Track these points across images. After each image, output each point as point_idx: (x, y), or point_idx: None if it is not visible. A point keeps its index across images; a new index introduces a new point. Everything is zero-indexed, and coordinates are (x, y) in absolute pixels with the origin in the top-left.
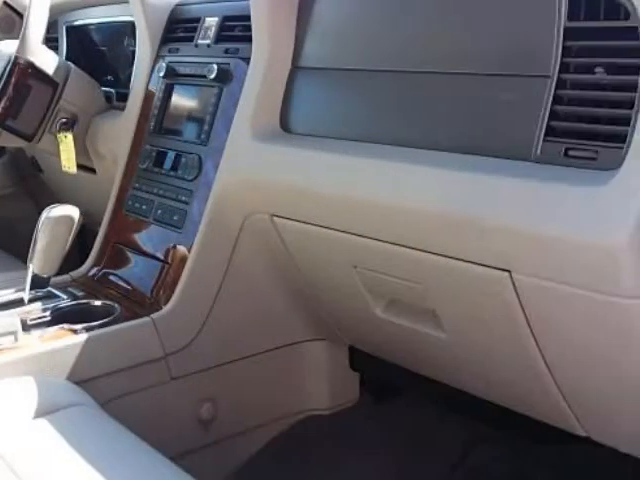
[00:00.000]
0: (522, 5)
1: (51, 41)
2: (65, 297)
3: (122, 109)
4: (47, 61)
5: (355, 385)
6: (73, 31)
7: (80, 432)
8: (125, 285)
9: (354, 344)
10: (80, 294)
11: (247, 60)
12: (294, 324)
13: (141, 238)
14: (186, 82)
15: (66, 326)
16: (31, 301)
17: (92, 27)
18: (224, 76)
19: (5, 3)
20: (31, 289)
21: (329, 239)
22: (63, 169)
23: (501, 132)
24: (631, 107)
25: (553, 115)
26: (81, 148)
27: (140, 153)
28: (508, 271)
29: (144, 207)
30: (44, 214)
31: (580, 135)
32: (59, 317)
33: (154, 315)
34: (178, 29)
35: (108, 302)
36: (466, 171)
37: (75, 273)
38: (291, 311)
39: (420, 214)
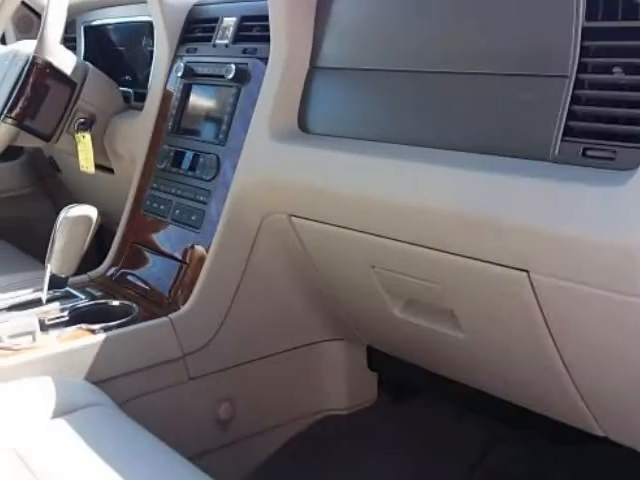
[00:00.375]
0: (540, 5)
1: (69, 41)
2: (83, 297)
3: (140, 109)
4: (65, 61)
5: (373, 385)
6: (91, 31)
7: (98, 432)
8: (143, 285)
9: (372, 344)
10: (98, 294)
11: (265, 60)
12: (312, 324)
13: (159, 238)
14: (204, 82)
15: (84, 326)
16: (49, 301)
17: (110, 27)
18: (242, 76)
19: (23, 3)
20: (49, 289)
21: (347, 239)
22: (81, 169)
23: (519, 132)
24: None
25: (571, 115)
26: (99, 148)
27: (158, 153)
28: (526, 271)
29: (162, 207)
30: (62, 214)
31: (598, 135)
32: (77, 317)
33: (172, 315)
34: (196, 29)
35: (126, 302)
36: (484, 171)
37: (93, 273)
38: (309, 311)
39: (438, 214)
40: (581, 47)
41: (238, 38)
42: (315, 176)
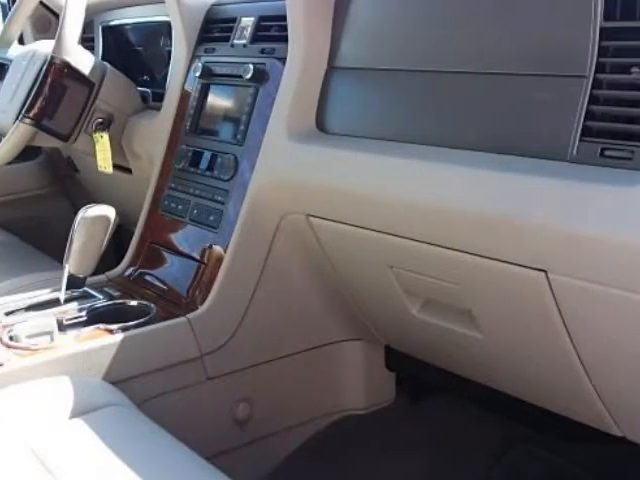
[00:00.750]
0: (558, 5)
1: (87, 41)
2: (101, 297)
3: (158, 109)
4: (83, 61)
5: (391, 385)
6: (109, 31)
7: (116, 432)
8: (161, 285)
9: (390, 344)
10: (116, 294)
11: (283, 60)
12: (330, 324)
13: (177, 238)
14: (222, 82)
15: (102, 326)
16: (67, 301)
17: (128, 27)
18: (260, 76)
19: (41, 3)
20: (67, 289)
21: (365, 239)
22: (99, 169)
23: (536, 132)
24: None
25: (589, 115)
26: (117, 148)
27: (176, 153)
28: (544, 271)
29: (180, 207)
30: (80, 214)
31: (616, 135)
32: (95, 317)
33: (190, 315)
34: (214, 29)
35: (144, 302)
36: (501, 171)
37: (111, 273)
38: (327, 311)
39: (456, 214)
40: (599, 47)
41: (256, 38)
42: (333, 176)
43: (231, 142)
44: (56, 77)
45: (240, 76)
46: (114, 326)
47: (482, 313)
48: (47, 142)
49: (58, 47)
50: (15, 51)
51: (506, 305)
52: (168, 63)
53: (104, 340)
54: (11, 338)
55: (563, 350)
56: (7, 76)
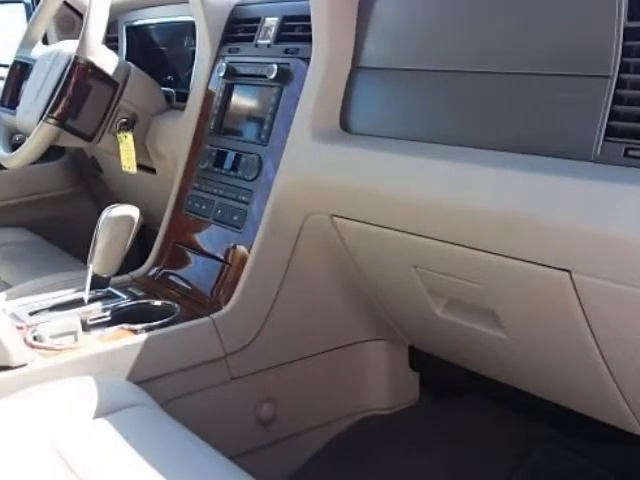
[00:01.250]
0: (582, 5)
1: (111, 41)
2: (125, 297)
3: (182, 109)
4: (107, 61)
5: (415, 385)
6: (133, 31)
7: (140, 432)
8: (185, 285)
9: (414, 344)
10: (140, 294)
11: (307, 60)
12: (354, 324)
13: (201, 238)
14: (246, 82)
15: (126, 326)
16: (91, 301)
17: (152, 27)
18: (284, 76)
19: (65, 3)
20: (91, 289)
21: (389, 239)
22: (123, 169)
23: (560, 132)
24: None
25: (613, 115)
26: (141, 148)
27: (200, 153)
28: (568, 271)
29: (204, 207)
30: (104, 214)
31: None
32: (119, 317)
33: (214, 315)
34: (238, 29)
35: (168, 302)
36: (525, 171)
37: (135, 273)
38: (351, 311)
39: (480, 214)
40: (623, 47)
41: (280, 38)
42: (357, 176)
43: (255, 142)
44: (80, 77)
45: (264, 76)
46: (138, 326)
47: (506, 313)
48: (71, 142)
49: (82, 47)
50: (39, 51)
51: (530, 305)
52: (192, 63)
53: (128, 340)
54: (35, 338)
55: (587, 350)
56: (31, 76)
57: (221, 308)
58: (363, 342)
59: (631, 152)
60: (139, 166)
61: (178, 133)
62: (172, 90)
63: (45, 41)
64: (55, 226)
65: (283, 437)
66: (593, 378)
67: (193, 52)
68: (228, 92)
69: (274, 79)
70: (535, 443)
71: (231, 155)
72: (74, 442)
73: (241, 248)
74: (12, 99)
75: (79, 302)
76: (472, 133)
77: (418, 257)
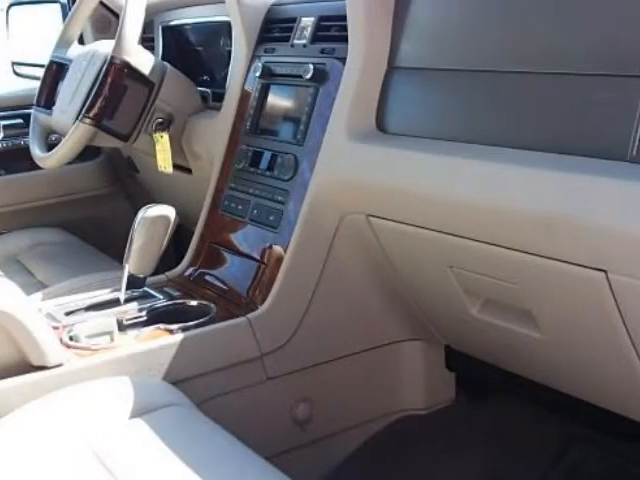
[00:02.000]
0: (618, 4)
1: (147, 41)
2: (161, 297)
3: (218, 109)
4: (143, 61)
5: (451, 385)
6: (169, 31)
7: (176, 432)
8: (221, 285)
9: (450, 344)
10: (176, 294)
11: (343, 60)
12: (390, 324)
13: (237, 238)
14: (282, 82)
15: (162, 326)
16: (127, 301)
17: (188, 27)
18: (320, 76)
19: (101, 3)
20: (127, 289)
21: (425, 239)
22: (159, 169)
23: (596, 132)
24: None
25: None
26: (177, 148)
27: (236, 153)
28: (604, 271)
29: (240, 207)
30: (140, 214)
31: None
32: (155, 317)
33: (250, 315)
34: (274, 29)
35: (204, 302)
36: (561, 171)
37: (171, 273)
38: (387, 311)
39: (516, 214)
40: None
41: (316, 38)
42: (393, 176)
43: (291, 142)
44: (116, 77)
45: (300, 76)
46: (174, 326)
47: (542, 313)
48: (107, 142)
49: (118, 47)
50: (75, 51)
51: (566, 305)
52: (228, 63)
53: (164, 340)
54: (71, 338)
55: (623, 349)
56: (67, 76)
57: (257, 308)
58: (399, 342)
59: None
60: (175, 166)
61: (214, 133)
62: (208, 90)
63: (81, 41)
64: (91, 226)
65: (319, 437)
66: (629, 378)
67: (229, 52)
68: (264, 92)
69: (310, 79)
70: (571, 443)
71: (267, 155)
72: (110, 442)
73: (277, 248)
74: (48, 99)
75: (115, 302)
76: (508, 133)
77: (454, 257)
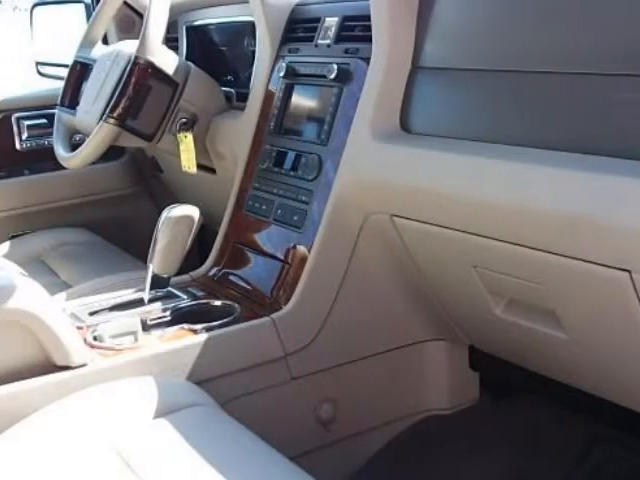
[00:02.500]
0: None
1: (171, 41)
2: (185, 297)
3: (242, 109)
4: (167, 61)
5: (475, 385)
6: (193, 31)
7: (200, 432)
8: (245, 285)
9: (474, 344)
10: (200, 294)
11: (367, 60)
12: (414, 324)
13: (261, 238)
14: (306, 82)
15: (186, 326)
16: (151, 301)
17: (212, 27)
18: (344, 76)
19: (125, 3)
20: (151, 289)
21: (449, 239)
22: (183, 169)
23: (620, 132)
24: None
25: None
26: (201, 148)
27: (260, 153)
28: (628, 271)
29: (264, 207)
30: (164, 214)
31: None
32: (179, 317)
33: (274, 315)
34: (298, 29)
35: (228, 302)
36: (586, 171)
37: (195, 273)
38: (411, 311)
39: (540, 214)
40: None
41: (340, 38)
42: (417, 176)
43: (315, 142)
44: (140, 77)
45: (324, 76)
46: (198, 326)
47: (566, 313)
48: (131, 142)
49: (142, 47)
50: (99, 51)
51: (590, 305)
52: (252, 63)
53: (188, 340)
54: (95, 338)
55: None
56: (91, 76)
57: (281, 308)
58: (423, 342)
59: None
60: (199, 166)
61: (238, 133)
62: (232, 90)
63: (105, 41)
64: (115, 226)
65: (343, 437)
66: None
67: (253, 52)
68: (288, 92)
69: (334, 79)
70: (595, 443)
71: (291, 155)
72: (134, 442)
73: (301, 248)
74: (72, 99)
75: (139, 302)
76: (532, 133)
77: (478, 257)
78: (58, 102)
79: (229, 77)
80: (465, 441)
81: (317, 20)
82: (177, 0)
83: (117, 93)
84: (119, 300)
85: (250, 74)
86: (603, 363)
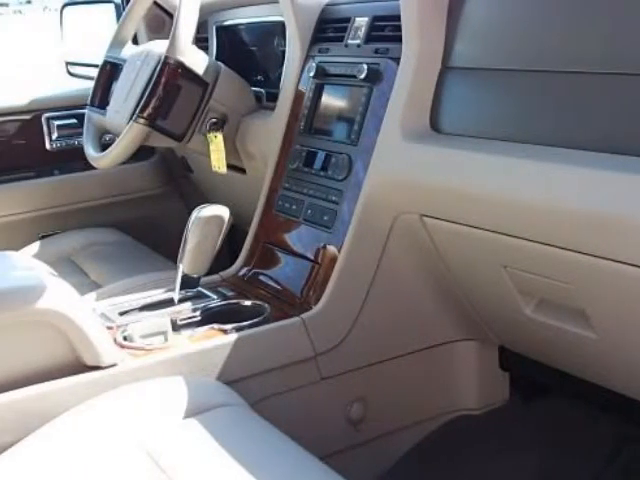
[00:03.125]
0: None
1: (201, 41)
2: (215, 297)
3: (272, 109)
4: (197, 61)
5: (505, 385)
6: (223, 31)
7: (230, 432)
8: (275, 285)
9: (504, 344)
10: (230, 294)
11: (397, 60)
12: (443, 324)
13: (291, 238)
14: (336, 82)
15: (216, 326)
16: (181, 301)
17: (242, 27)
18: (374, 76)
19: (155, 3)
20: (181, 289)
21: (479, 239)
22: (213, 169)
23: None
24: None
25: None
26: (231, 148)
27: (290, 153)
28: None
29: (294, 207)
30: (194, 214)
31: None
32: (209, 317)
33: (304, 315)
34: (328, 29)
35: (258, 302)
36: (615, 171)
37: (225, 273)
38: (440, 311)
39: (570, 214)
40: None
41: (370, 38)
42: (448, 176)
43: (345, 142)
44: (170, 77)
45: (354, 76)
46: (228, 326)
47: (596, 313)
48: (161, 142)
49: (172, 47)
50: (129, 51)
51: (620, 305)
52: (282, 63)
53: (218, 340)
54: (125, 338)
55: None
56: (121, 76)
57: (311, 308)
58: (453, 342)
59: None
60: (229, 166)
61: (268, 133)
62: (262, 90)
63: (135, 41)
64: (145, 226)
65: (373, 437)
66: None
67: (283, 52)
68: (318, 92)
69: (364, 79)
70: (625, 443)
71: (321, 155)
72: (164, 442)
73: (331, 248)
74: (102, 99)
75: (169, 302)
76: (563, 133)
77: (508, 257)
78: (88, 102)
79: (259, 77)
80: (495, 441)
81: (347, 20)
82: (207, 0)
83: (147, 93)
84: (149, 300)
85: (280, 74)
86: (633, 363)
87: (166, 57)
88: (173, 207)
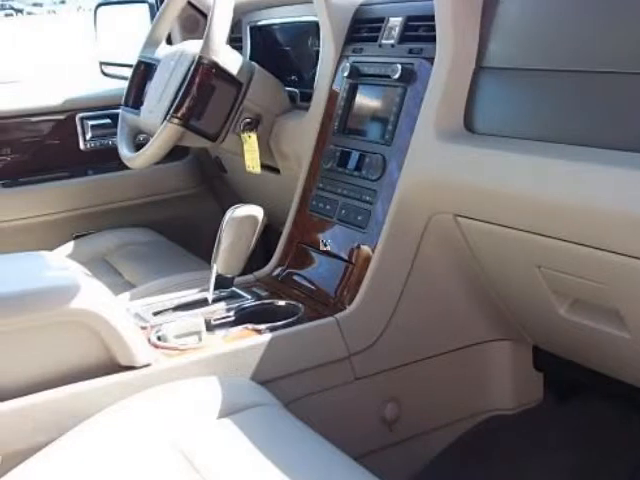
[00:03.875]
0: None
1: (235, 41)
2: (249, 297)
3: (306, 109)
4: (231, 61)
5: (539, 385)
6: (257, 31)
7: (264, 432)
8: (309, 285)
9: (538, 344)
10: (264, 294)
11: (431, 60)
12: (477, 324)
13: (325, 238)
14: (370, 82)
15: (250, 326)
16: (215, 301)
17: (276, 27)
18: (408, 76)
19: (189, 3)
20: (215, 289)
21: (513, 239)
22: (247, 169)
23: None
24: None
25: None
26: (265, 148)
27: (324, 153)
28: None
29: (328, 207)
30: (228, 214)
31: None
32: (243, 317)
33: (338, 315)
34: (362, 29)
35: (292, 302)
36: None
37: (259, 273)
38: (475, 311)
39: (604, 214)
40: None
41: (404, 38)
42: (482, 176)
43: (379, 142)
44: (204, 77)
45: (388, 76)
46: (262, 326)
47: (630, 313)
48: (195, 142)
49: (206, 47)
50: (163, 51)
51: None
52: (316, 63)
53: (252, 340)
54: (159, 338)
55: None
56: (155, 76)
57: (345, 308)
58: (487, 342)
59: None
60: (263, 166)
61: (302, 133)
62: (296, 90)
63: (169, 41)
64: (179, 226)
65: (407, 437)
66: None
67: (317, 52)
68: (352, 92)
69: (398, 79)
70: None
71: (355, 155)
72: (198, 442)
73: (365, 248)
74: (136, 99)
75: (203, 302)
76: (597, 133)
77: (542, 257)
78: (122, 102)
79: (293, 77)
80: (529, 441)
81: (381, 20)
82: (241, 0)
83: (181, 93)
84: (183, 300)
85: (314, 74)
86: None
87: (200, 57)
88: (207, 207)
